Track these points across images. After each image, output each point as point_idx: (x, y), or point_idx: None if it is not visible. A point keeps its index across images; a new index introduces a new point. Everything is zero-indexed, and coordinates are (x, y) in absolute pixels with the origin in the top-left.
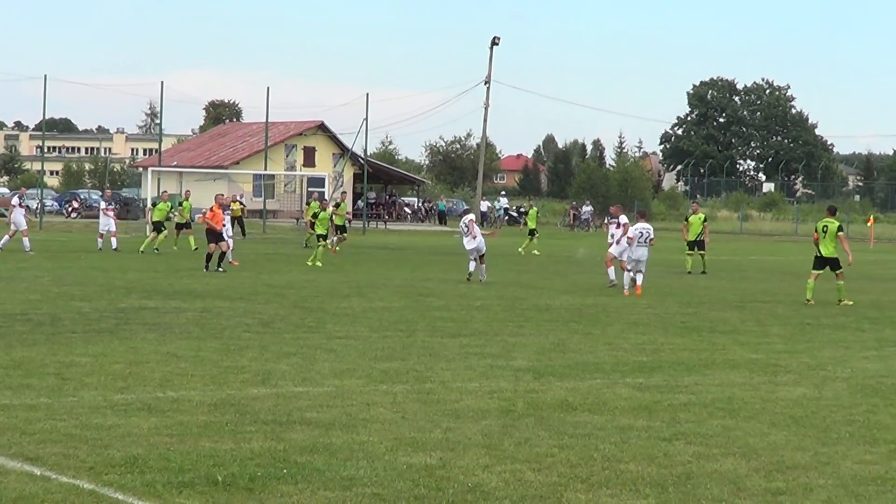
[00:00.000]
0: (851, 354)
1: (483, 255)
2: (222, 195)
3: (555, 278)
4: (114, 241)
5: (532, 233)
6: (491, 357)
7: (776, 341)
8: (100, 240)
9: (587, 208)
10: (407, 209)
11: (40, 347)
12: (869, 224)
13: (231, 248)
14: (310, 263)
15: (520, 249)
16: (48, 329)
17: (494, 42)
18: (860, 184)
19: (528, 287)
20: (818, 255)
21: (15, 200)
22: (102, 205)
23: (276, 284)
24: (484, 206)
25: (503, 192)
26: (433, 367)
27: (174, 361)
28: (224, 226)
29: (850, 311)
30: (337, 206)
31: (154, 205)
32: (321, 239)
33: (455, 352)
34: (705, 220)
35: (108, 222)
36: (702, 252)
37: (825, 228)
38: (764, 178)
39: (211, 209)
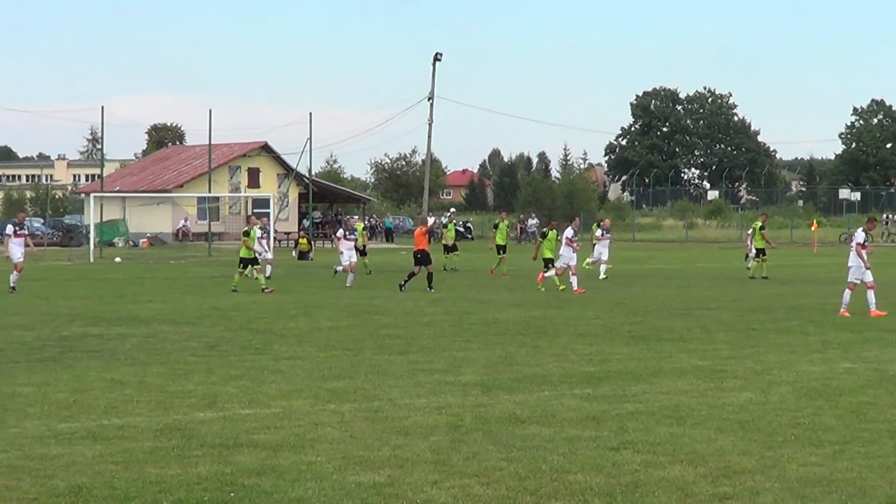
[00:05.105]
0: (796, 358)
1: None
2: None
3: (502, 292)
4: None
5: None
6: (439, 373)
7: (722, 347)
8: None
9: (533, 221)
10: None
11: None
12: (813, 228)
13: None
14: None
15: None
16: None
17: (437, 58)
18: (803, 189)
19: (475, 301)
20: None
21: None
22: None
23: (222, 307)
24: (431, 221)
25: (453, 209)
26: (381, 385)
27: (119, 388)
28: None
29: (795, 314)
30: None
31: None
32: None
33: (403, 369)
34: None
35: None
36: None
37: None
38: (708, 185)
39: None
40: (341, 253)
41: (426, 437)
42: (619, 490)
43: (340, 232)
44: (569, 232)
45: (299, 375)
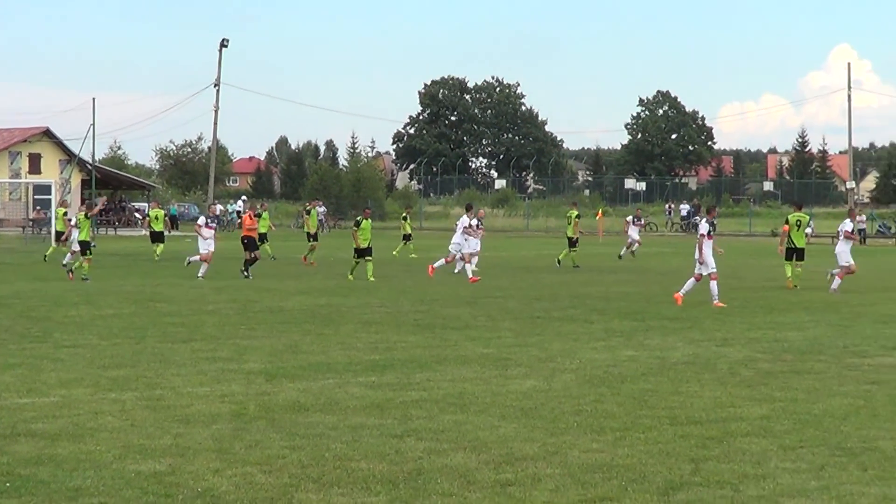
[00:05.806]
0: (580, 346)
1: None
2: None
3: (289, 280)
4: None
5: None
6: (223, 361)
7: (507, 335)
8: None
9: (321, 209)
10: (137, 214)
11: None
12: (598, 218)
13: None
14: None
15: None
16: None
17: (223, 44)
18: (590, 178)
19: (261, 290)
20: (792, 246)
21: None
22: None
23: (0, 294)
24: (217, 209)
25: (244, 197)
26: (163, 374)
27: None
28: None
29: (579, 303)
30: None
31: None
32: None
33: (186, 357)
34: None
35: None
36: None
37: (798, 222)
38: (496, 174)
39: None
40: (206, 239)
41: (208, 425)
42: (402, 477)
43: (202, 220)
44: (464, 220)
45: (80, 364)
